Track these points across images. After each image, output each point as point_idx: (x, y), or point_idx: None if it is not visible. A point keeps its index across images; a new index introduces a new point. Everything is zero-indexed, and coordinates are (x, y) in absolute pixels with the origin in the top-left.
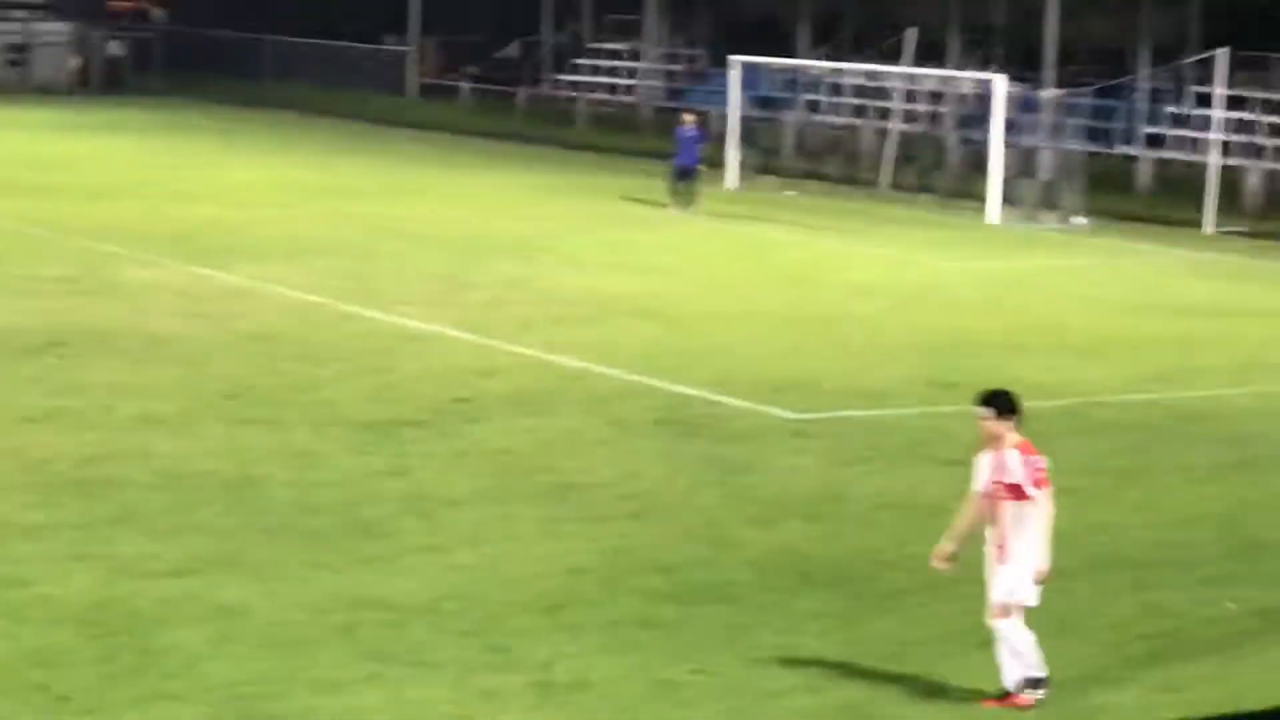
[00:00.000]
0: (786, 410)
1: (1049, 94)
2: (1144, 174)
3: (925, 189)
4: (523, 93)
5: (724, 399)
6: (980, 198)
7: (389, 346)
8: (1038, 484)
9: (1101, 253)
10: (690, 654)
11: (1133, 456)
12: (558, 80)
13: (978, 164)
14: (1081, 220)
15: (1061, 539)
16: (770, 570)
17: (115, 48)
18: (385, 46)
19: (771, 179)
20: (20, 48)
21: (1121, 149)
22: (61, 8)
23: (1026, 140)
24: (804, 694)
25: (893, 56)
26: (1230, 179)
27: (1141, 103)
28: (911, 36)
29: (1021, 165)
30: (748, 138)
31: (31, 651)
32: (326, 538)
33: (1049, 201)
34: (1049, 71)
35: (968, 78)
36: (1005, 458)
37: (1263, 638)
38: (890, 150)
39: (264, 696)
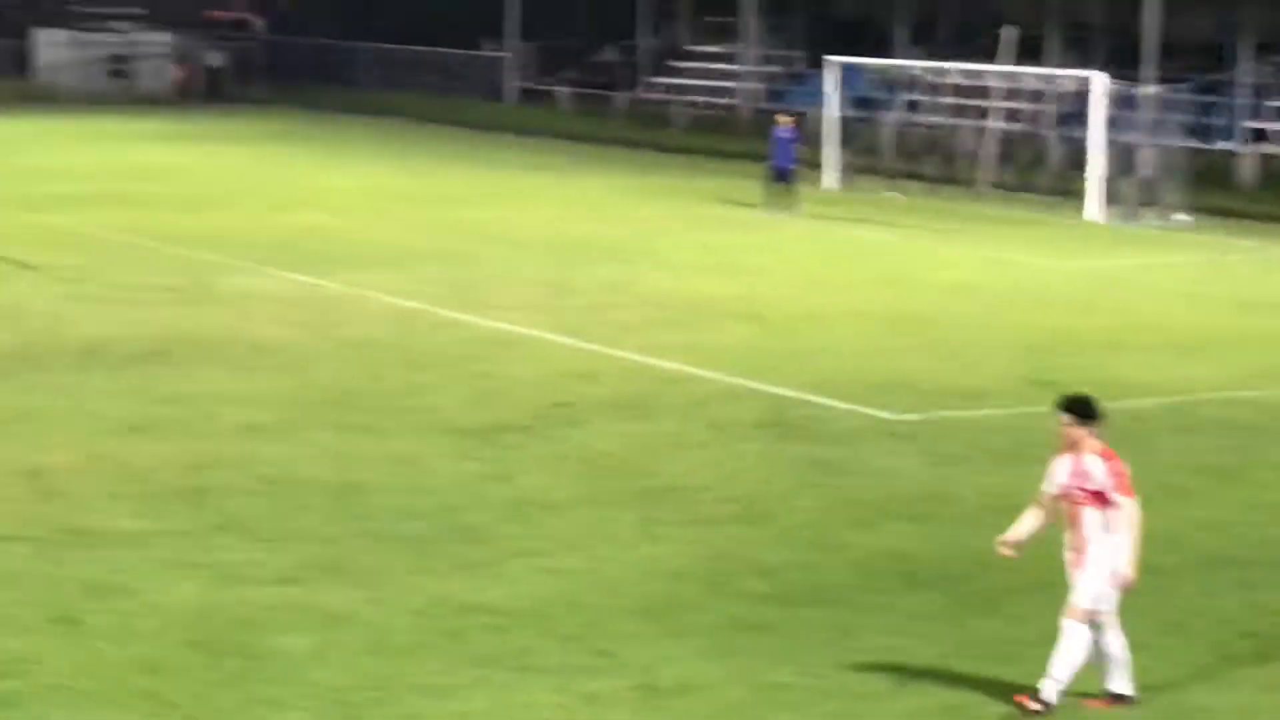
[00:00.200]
0: (886, 411)
1: (1149, 90)
2: (1246, 169)
3: (1025, 188)
4: (620, 96)
5: (823, 400)
6: (1080, 196)
7: (489, 352)
8: (1123, 490)
9: (1204, 249)
10: (793, 657)
11: (1237, 454)
12: (655, 84)
13: (1077, 162)
14: (1183, 217)
15: (1166, 538)
16: (873, 572)
17: (216, 57)
18: (483, 52)
19: (870, 179)
20: (122, 58)
21: (1223, 144)
22: (163, 19)
23: (1127, 137)
24: (908, 696)
25: (991, 55)
26: None
27: (1243, 98)
28: (1009, 34)
29: (1122, 163)
30: (846, 138)
31: (139, 659)
32: (429, 543)
33: (1150, 199)
34: (1149, 68)
35: (1067, 75)
36: (1086, 463)
37: None
38: (989, 149)
39: (369, 702)
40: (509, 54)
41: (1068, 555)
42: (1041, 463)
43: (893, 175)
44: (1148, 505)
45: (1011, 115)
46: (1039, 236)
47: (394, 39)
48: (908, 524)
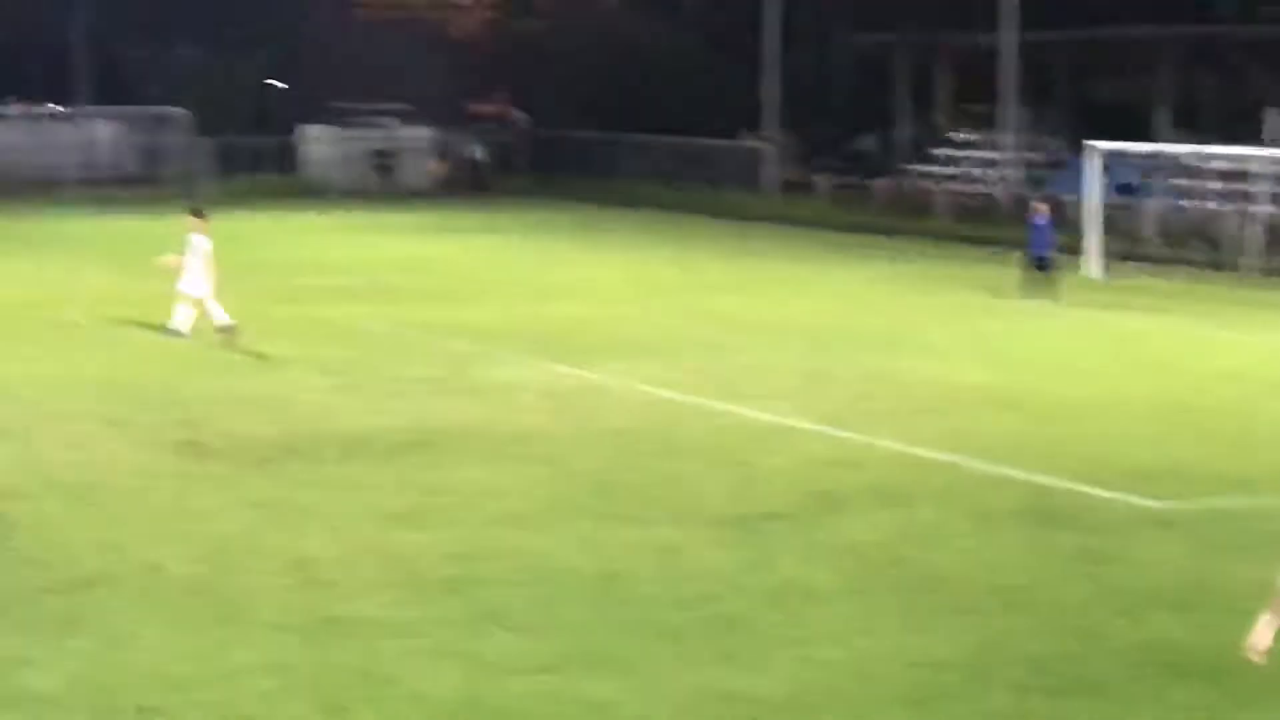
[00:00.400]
0: (1153, 499)
1: None
2: None
3: None
4: (880, 184)
5: (1088, 489)
6: None
7: (749, 441)
8: None
9: None
10: None
11: None
12: (914, 171)
13: None
14: None
15: None
16: (1140, 663)
17: (478, 151)
18: (743, 143)
19: (1133, 265)
20: (386, 153)
21: None
22: (426, 114)
23: None
24: None
25: (1255, 137)
26: None
27: None
28: (1275, 117)
29: None
30: (1107, 224)
31: None
32: (690, 633)
33: None
34: None
35: None
36: None
37: None
38: (1255, 233)
39: None
40: (768, 145)
41: None
42: None
43: (1157, 260)
44: None
45: (1278, 199)
46: None
47: (654, 130)
48: (1175, 614)
